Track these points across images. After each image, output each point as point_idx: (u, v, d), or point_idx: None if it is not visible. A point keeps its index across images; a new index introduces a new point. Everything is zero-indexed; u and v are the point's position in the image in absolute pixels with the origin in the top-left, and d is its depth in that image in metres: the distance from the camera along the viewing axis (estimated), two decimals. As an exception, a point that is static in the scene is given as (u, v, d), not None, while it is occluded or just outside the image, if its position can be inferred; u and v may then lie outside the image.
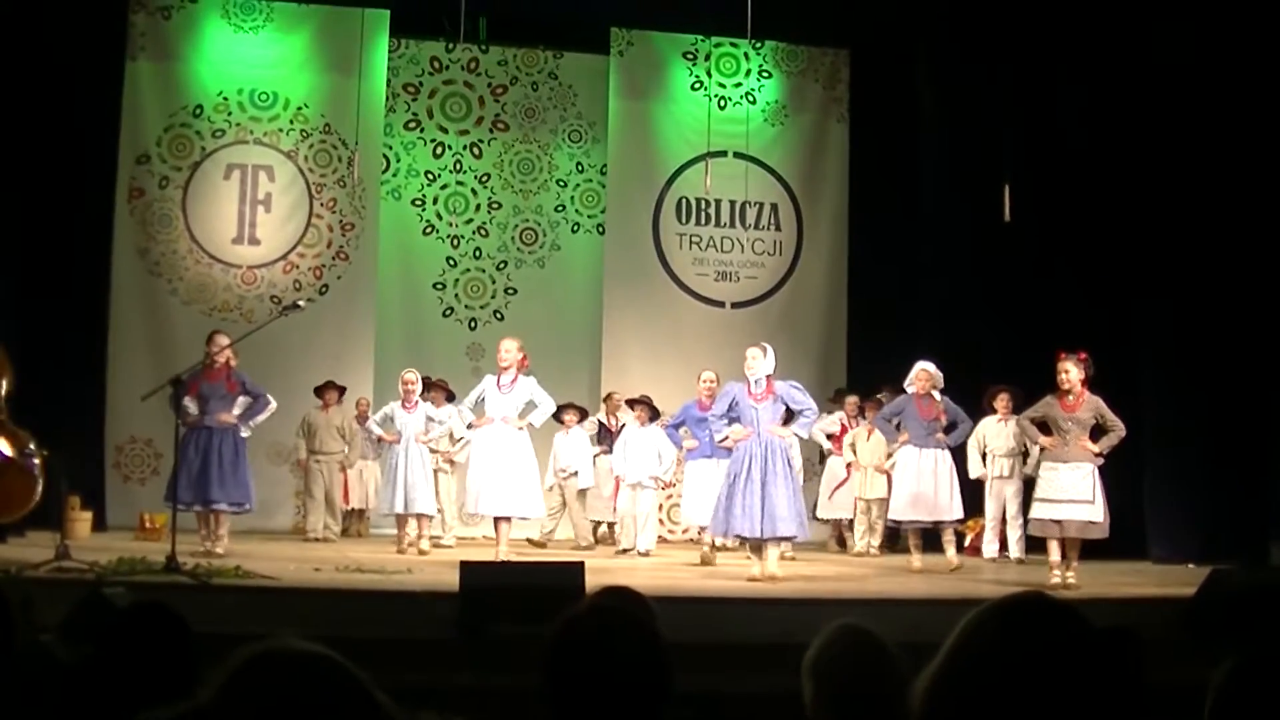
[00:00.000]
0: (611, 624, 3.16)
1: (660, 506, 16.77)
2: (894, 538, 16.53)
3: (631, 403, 16.40)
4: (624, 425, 16.62)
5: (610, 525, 17.23)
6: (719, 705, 6.44)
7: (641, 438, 15.74)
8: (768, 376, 12.77)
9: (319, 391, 16.96)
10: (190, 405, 13.64)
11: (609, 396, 17.74)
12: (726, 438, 13.02)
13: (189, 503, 13.36)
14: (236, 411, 13.92)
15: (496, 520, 13.73)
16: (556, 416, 16.49)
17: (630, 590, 4.46)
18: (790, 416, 13.13)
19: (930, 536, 14.45)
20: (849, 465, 16.83)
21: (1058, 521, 12.17)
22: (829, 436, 17.05)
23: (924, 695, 2.48)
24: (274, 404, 14.51)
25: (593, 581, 8.60)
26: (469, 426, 13.77)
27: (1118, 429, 12.40)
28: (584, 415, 17.27)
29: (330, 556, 13.44)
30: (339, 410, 16.94)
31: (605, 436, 17.31)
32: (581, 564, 9.06)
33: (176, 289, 17.93)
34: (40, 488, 10.89)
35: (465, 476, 14.48)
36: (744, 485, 12.36)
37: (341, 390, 17.09)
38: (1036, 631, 2.43)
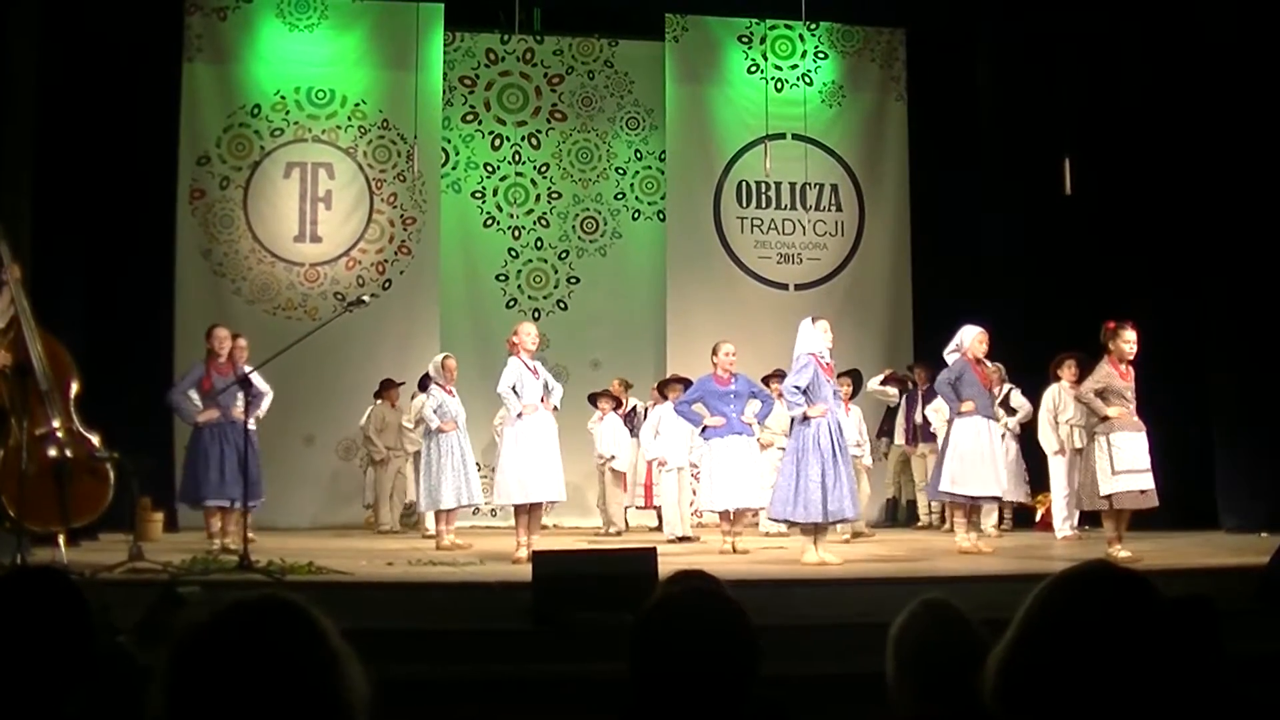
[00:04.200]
0: (700, 607, 3.14)
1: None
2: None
3: (665, 384, 16.29)
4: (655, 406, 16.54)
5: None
6: (797, 688, 6.39)
7: (678, 419, 15.10)
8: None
9: (379, 393, 17.21)
10: (197, 401, 13.61)
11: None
12: (805, 415, 12.28)
13: (233, 499, 13.12)
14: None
15: (528, 507, 12.95)
16: (591, 403, 16.99)
17: (706, 574, 4.43)
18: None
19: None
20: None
21: (1143, 491, 11.89)
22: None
23: (997, 669, 2.47)
24: (269, 394, 14.08)
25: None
26: (519, 415, 12.99)
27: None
28: (618, 403, 17.39)
29: (400, 549, 13.48)
30: (401, 406, 17.09)
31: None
32: (654, 550, 8.96)
33: (240, 289, 17.99)
34: (111, 490, 10.84)
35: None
36: (839, 465, 12.03)
37: (400, 385, 17.22)
38: (1108, 601, 2.41)
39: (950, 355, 13.58)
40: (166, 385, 14.47)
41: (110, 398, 13.82)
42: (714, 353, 14.28)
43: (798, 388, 12.26)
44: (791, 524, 12.83)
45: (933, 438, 16.16)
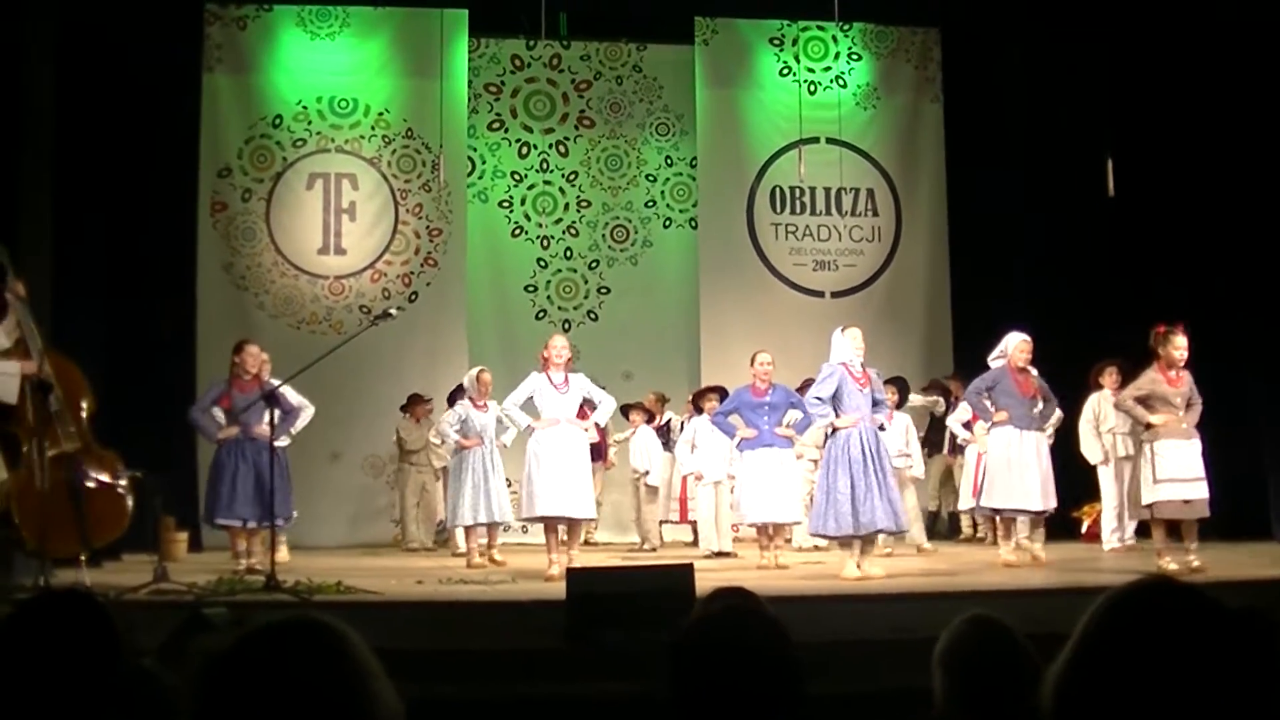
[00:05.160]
0: (742, 625, 3.13)
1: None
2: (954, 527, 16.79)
3: (701, 395, 16.16)
4: (691, 419, 16.44)
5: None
6: (840, 707, 6.37)
7: (715, 431, 15.07)
8: (864, 364, 12.57)
9: (405, 407, 17.20)
10: (220, 418, 13.63)
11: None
12: (832, 427, 12.37)
13: (246, 518, 13.23)
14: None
15: (549, 523, 12.96)
16: (625, 417, 17.11)
17: (746, 591, 4.37)
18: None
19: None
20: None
21: (1188, 501, 11.79)
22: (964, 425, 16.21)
23: (1055, 688, 2.44)
24: (311, 409, 14.19)
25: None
26: (527, 428, 13.18)
27: (1198, 405, 12.18)
28: (651, 415, 17.39)
29: (430, 568, 13.51)
30: (429, 421, 16.97)
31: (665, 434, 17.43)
32: (691, 566, 8.92)
33: (263, 302, 17.99)
34: (130, 510, 10.83)
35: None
36: (870, 476, 11.95)
37: (427, 402, 17.16)
38: (1168, 617, 2.38)
39: (995, 361, 13.51)
40: (189, 402, 14.46)
41: (133, 415, 14.47)
42: (751, 362, 14.32)
43: (819, 398, 12.36)
44: (828, 538, 12.78)
45: (962, 449, 16.25)
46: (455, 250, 18.68)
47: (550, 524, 12.92)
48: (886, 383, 14.29)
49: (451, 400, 15.85)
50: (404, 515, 17.20)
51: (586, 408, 13.80)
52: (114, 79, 16.07)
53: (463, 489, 14.49)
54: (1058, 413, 14.09)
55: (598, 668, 7.84)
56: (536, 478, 12.80)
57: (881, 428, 12.69)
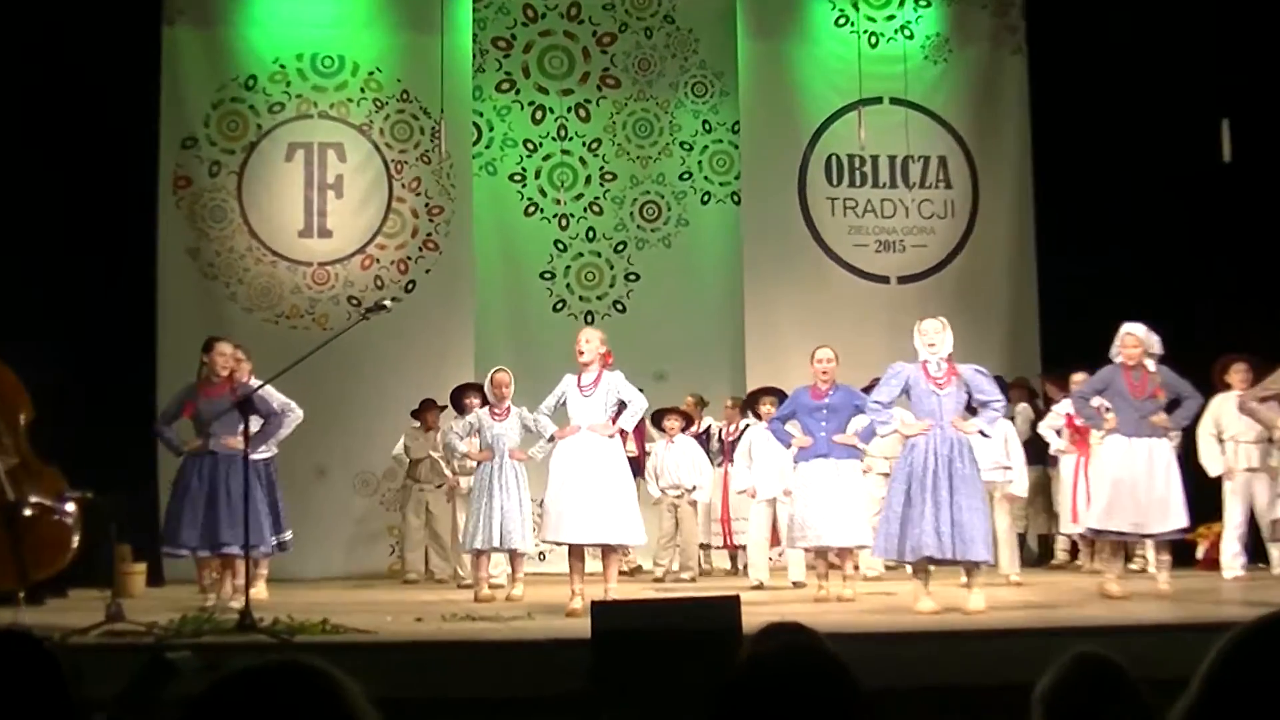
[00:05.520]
0: (797, 668, 3.09)
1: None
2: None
3: (757, 397, 16.12)
4: (746, 426, 16.47)
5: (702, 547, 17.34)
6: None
7: (770, 441, 14.96)
8: (949, 357, 12.39)
9: (417, 413, 17.09)
10: (178, 430, 13.58)
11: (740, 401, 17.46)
12: (896, 431, 12.52)
13: (194, 546, 13.11)
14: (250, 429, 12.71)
15: (572, 549, 12.92)
16: (657, 425, 17.00)
17: (802, 627, 4.43)
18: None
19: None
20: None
21: None
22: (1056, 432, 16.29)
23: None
24: (298, 413, 14.13)
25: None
26: (550, 439, 13.28)
27: None
28: (689, 421, 17.21)
29: (433, 602, 13.47)
30: (441, 431, 16.61)
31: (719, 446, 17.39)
32: (737, 599, 8.86)
33: (236, 294, 17.94)
34: (78, 537, 10.75)
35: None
36: (927, 493, 11.77)
37: (442, 409, 16.95)
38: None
39: (1116, 357, 13.42)
40: (148, 409, 14.77)
41: (81, 426, 14.25)
42: (811, 359, 14.23)
43: (879, 402, 12.44)
44: (899, 563, 12.81)
45: (1054, 461, 16.24)
46: (460, 232, 18.64)
47: (574, 550, 12.83)
48: (1013, 384, 14.14)
49: (456, 402, 15.97)
50: (405, 541, 17.17)
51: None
52: (58, 35, 16.06)
53: (472, 509, 14.49)
54: (1187, 413, 13.85)
55: (628, 716, 7.81)
56: (552, 496, 12.79)
57: (982, 433, 12.50)
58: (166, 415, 13.68)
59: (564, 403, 13.04)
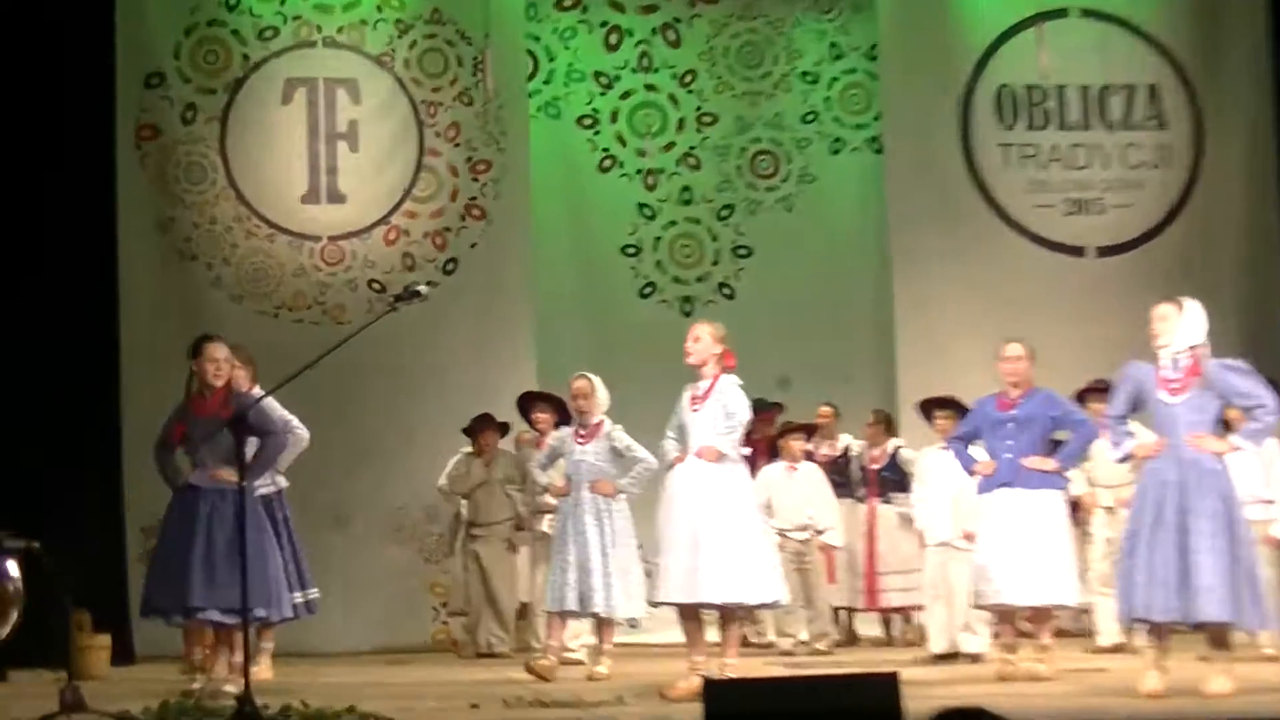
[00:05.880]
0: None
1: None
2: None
3: (931, 407, 15.21)
4: (898, 449, 16.09)
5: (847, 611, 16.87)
6: None
7: (946, 468, 14.04)
8: (1192, 349, 11.11)
9: (471, 431, 16.29)
10: (180, 459, 12.73)
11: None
12: (1130, 455, 11.39)
13: (164, 610, 12.27)
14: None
15: (681, 610, 12.07)
16: (769, 452, 16.43)
17: (986, 713, 4.75)
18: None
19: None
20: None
21: None
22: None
23: None
24: (303, 433, 13.63)
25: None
26: (669, 465, 12.32)
27: None
28: (809, 436, 16.50)
29: (493, 682, 12.90)
30: (504, 459, 16.20)
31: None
32: (895, 676, 7.79)
33: (220, 277, 17.29)
34: (20, 604, 10.11)
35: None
36: (1148, 533, 10.81)
37: (504, 429, 16.33)
38: None
39: None
40: (109, 432, 15.07)
41: (25, 461, 14.41)
42: (997, 358, 13.12)
43: (1111, 416, 11.60)
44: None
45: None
46: (513, 194, 17.97)
47: (685, 612, 12.07)
48: None
49: (522, 411, 15.81)
50: (457, 603, 16.71)
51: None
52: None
53: (553, 561, 13.88)
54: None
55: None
56: (662, 545, 12.08)
57: (1237, 449, 11.36)
58: (162, 444, 12.60)
59: (683, 423, 12.31)
